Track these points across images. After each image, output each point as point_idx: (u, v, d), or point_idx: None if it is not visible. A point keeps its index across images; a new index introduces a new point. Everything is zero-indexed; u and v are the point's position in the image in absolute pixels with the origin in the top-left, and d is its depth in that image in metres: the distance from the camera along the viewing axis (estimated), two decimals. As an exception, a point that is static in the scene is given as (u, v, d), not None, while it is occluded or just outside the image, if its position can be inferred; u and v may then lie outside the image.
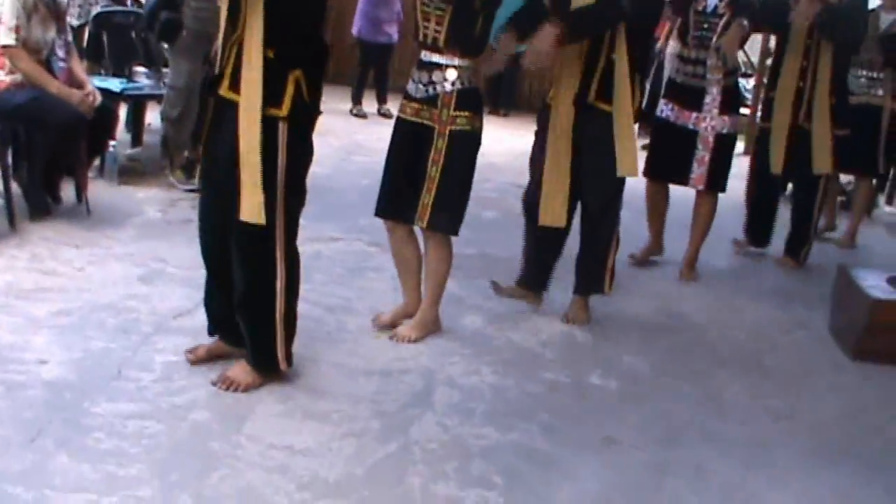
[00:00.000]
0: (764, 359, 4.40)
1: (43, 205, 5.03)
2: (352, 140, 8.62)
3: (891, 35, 6.36)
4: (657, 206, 5.67)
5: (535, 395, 3.69)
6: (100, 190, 5.58)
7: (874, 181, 6.90)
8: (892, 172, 8.19)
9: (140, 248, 4.73)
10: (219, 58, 3.28)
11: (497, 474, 3.04)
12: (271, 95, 3.08)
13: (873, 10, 6.59)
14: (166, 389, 3.32)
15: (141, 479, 2.75)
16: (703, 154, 5.22)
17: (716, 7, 5.08)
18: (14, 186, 4.98)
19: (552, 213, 4.35)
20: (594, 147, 4.29)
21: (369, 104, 10.25)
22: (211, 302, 3.58)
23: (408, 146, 3.90)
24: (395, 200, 3.96)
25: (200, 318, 3.87)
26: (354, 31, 10.04)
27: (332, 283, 4.60)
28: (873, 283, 4.51)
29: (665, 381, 3.99)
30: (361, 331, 4.08)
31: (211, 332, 3.63)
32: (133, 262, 4.52)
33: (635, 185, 5.39)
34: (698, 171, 5.27)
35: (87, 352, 3.52)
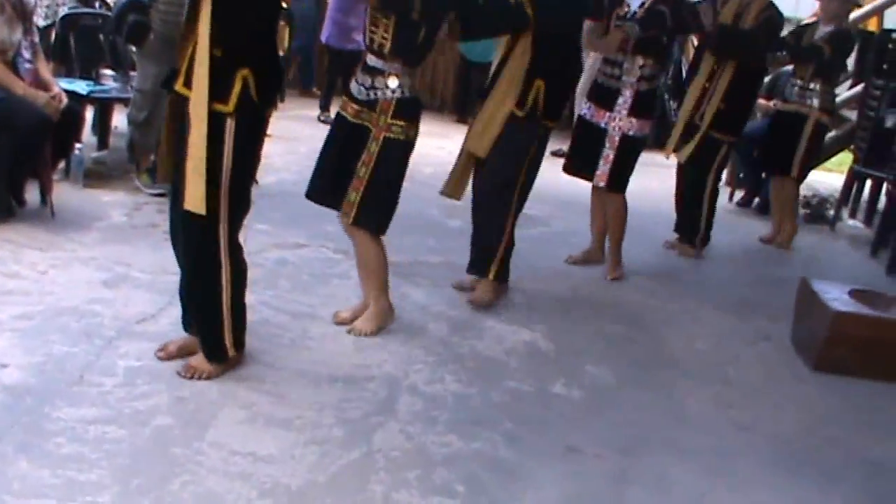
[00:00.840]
0: (727, 369, 4.43)
1: (6, 207, 4.98)
2: (319, 146, 8.55)
3: (798, 45, 6.67)
4: (597, 208, 5.72)
5: (498, 404, 3.69)
6: (65, 193, 5.53)
7: (797, 182, 7.07)
8: (855, 186, 8.28)
9: (104, 252, 4.69)
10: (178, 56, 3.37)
11: (459, 483, 3.05)
12: (218, 92, 3.16)
13: (815, 22, 6.89)
14: (129, 395, 3.29)
15: (101, 485, 2.74)
16: (608, 153, 5.31)
17: (635, 13, 5.14)
18: (-23, 188, 4.93)
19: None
20: None
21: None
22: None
23: (344, 142, 4.04)
24: (322, 186, 4.12)
25: (164, 322, 3.86)
26: (323, 38, 9.99)
27: (297, 289, 4.59)
28: (835, 296, 4.55)
29: (628, 391, 4.01)
30: (326, 338, 4.07)
31: (186, 328, 3.65)
32: (97, 266, 4.49)
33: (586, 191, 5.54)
34: (602, 168, 5.35)
35: (48, 356, 3.49)
